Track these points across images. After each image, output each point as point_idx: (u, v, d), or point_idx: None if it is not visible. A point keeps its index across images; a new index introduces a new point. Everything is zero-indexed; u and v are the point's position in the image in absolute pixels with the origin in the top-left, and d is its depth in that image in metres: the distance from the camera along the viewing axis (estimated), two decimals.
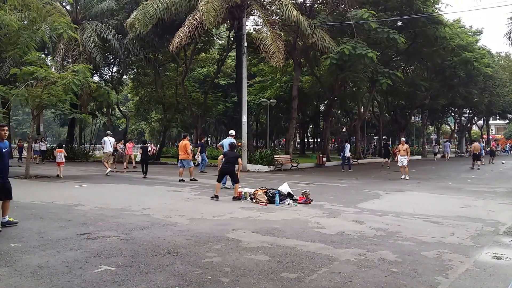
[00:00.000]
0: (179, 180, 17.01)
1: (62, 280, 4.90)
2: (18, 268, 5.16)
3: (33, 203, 10.55)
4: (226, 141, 15.49)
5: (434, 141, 56.39)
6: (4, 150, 7.78)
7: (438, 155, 44.78)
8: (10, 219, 7.97)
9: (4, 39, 16.59)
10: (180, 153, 17.71)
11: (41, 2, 16.21)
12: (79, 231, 7.48)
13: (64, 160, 19.07)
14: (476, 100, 45.85)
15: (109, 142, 21.44)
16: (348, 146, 25.40)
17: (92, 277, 5.01)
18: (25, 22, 17.83)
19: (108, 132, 23.83)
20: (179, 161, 17.83)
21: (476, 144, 29.27)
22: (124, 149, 25.82)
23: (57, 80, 16.61)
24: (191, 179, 17.28)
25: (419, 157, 47.72)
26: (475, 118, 64.00)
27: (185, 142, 17.63)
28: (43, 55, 26.86)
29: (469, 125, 63.96)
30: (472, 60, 33.90)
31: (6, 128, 7.95)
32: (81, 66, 17.57)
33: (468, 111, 60.06)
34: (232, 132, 16.73)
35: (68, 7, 33.36)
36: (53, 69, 22.24)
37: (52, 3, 20.56)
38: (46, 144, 32.66)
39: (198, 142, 26.05)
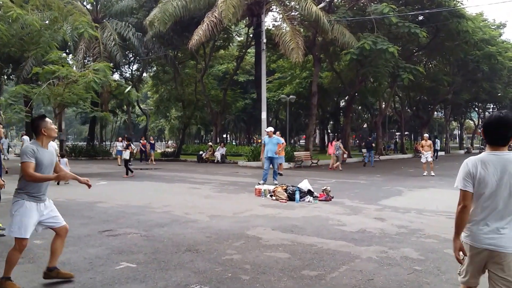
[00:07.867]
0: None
1: (84, 276, 4.95)
2: (41, 265, 5.19)
3: (55, 200, 10.60)
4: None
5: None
6: None
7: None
8: None
9: (26, 38, 16.81)
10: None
11: (62, 1, 16.41)
12: (100, 228, 7.56)
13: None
14: (500, 94, 44.91)
15: (28, 141, 24.54)
16: (438, 141, 27.76)
17: (113, 273, 5.06)
18: (47, 22, 18.01)
19: (23, 132, 28.65)
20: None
21: None
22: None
23: (78, 79, 16.84)
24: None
25: (442, 153, 47.13)
26: None
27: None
28: (64, 54, 27.32)
29: None
30: (495, 54, 33.25)
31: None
32: (101, 64, 17.77)
33: (492, 105, 58.92)
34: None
35: (88, 6, 33.77)
36: (74, 68, 22.58)
37: (73, 3, 20.88)
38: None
39: (367, 140, 26.39)
